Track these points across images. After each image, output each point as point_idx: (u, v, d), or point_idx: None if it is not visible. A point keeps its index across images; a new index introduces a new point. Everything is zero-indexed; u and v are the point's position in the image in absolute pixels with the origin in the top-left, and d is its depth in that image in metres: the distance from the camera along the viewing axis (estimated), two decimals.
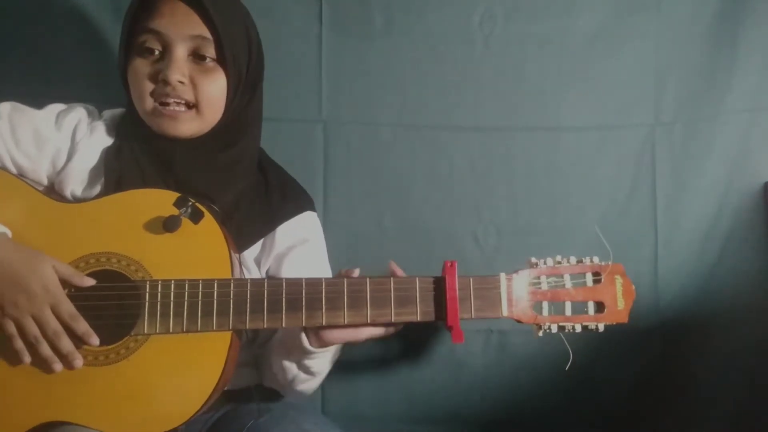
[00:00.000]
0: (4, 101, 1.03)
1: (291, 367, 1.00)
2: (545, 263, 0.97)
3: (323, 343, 0.96)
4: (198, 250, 0.92)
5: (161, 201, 0.93)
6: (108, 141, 1.02)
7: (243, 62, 1.01)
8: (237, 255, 0.98)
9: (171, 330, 0.90)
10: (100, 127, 1.03)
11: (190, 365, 0.90)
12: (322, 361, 1.00)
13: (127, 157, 1.00)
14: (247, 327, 0.91)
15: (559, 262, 0.97)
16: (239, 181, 1.04)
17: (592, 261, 0.97)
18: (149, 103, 0.97)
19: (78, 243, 0.92)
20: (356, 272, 0.95)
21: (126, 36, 0.99)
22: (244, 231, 1.03)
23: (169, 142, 0.99)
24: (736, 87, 1.38)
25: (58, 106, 1.04)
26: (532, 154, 1.40)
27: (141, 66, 0.97)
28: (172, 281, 0.90)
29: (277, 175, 1.11)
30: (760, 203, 1.39)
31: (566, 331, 0.96)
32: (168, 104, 0.97)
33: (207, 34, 0.96)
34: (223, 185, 1.02)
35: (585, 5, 1.39)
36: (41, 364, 0.87)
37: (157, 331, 0.90)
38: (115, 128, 1.04)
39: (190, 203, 0.92)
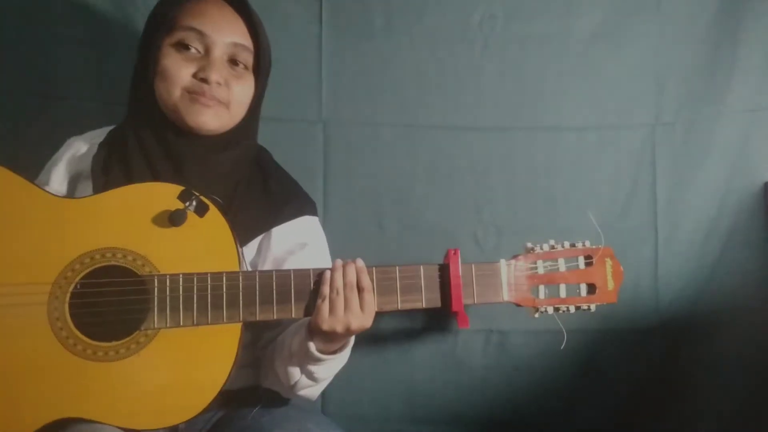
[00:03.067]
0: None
1: (294, 372, 0.98)
2: (541, 248, 1.00)
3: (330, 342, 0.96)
4: (204, 244, 0.92)
5: (165, 194, 0.92)
6: (82, 148, 1.07)
7: (268, 73, 1.07)
8: (241, 249, 0.98)
9: (181, 323, 0.90)
10: (78, 143, 1.07)
11: (200, 359, 0.90)
12: (326, 367, 0.98)
13: (123, 151, 1.00)
14: (258, 318, 0.92)
15: (554, 247, 1.01)
16: (233, 177, 1.06)
17: (584, 245, 1.01)
18: (179, 92, 0.98)
19: (82, 239, 0.91)
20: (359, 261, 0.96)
21: (161, 29, 0.99)
22: (239, 229, 1.01)
23: (181, 140, 1.00)
24: (736, 87, 1.39)
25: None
26: (532, 154, 1.40)
27: (177, 59, 0.99)
28: (180, 275, 0.90)
29: (280, 178, 1.12)
30: (760, 203, 1.39)
31: (561, 312, 1.00)
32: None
33: (248, 43, 1.02)
34: (222, 182, 1.03)
35: (585, 5, 1.39)
36: (56, 368, 0.88)
37: (167, 325, 0.90)
38: (97, 136, 1.06)
39: (195, 196, 0.92)
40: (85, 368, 0.88)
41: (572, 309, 1.00)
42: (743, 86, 1.38)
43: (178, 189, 0.92)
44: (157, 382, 0.89)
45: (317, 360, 0.96)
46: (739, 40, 1.38)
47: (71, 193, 1.04)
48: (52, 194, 0.95)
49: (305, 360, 0.97)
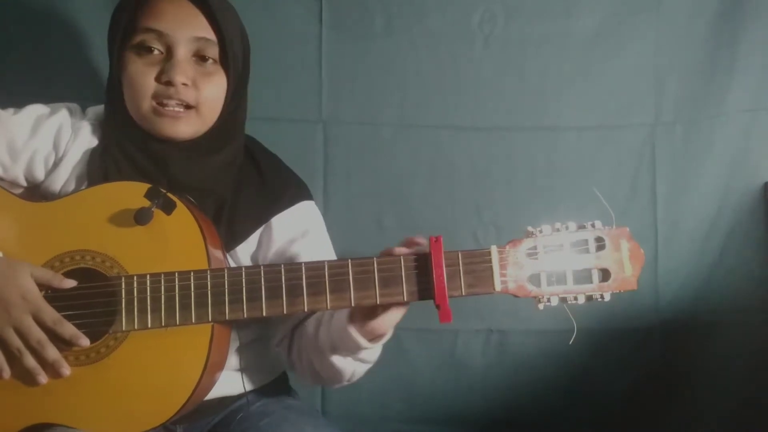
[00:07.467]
0: None
1: (346, 364, 0.96)
2: (541, 231, 0.90)
3: (376, 334, 0.91)
4: (172, 242, 0.89)
5: (132, 193, 0.90)
6: (93, 141, 1.00)
7: (240, 64, 1.01)
8: (221, 251, 0.95)
9: (149, 325, 0.87)
10: (86, 128, 1.00)
11: (171, 361, 0.88)
12: (376, 349, 0.95)
13: (114, 157, 0.97)
14: (227, 318, 0.88)
15: (558, 229, 0.90)
16: (232, 176, 1.03)
17: (593, 226, 0.91)
18: (147, 103, 0.95)
19: (52, 242, 0.90)
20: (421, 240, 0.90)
21: (121, 35, 0.95)
22: (237, 224, 1.00)
23: (163, 145, 0.97)
24: (736, 87, 1.39)
25: (37, 110, 1.00)
26: (532, 154, 1.40)
27: (139, 66, 0.95)
28: (148, 275, 0.88)
29: (271, 165, 1.08)
30: (760, 203, 1.39)
31: (569, 302, 0.89)
32: (167, 105, 0.95)
33: (211, 35, 0.96)
34: (218, 182, 1.01)
35: (585, 5, 1.39)
36: (26, 375, 0.85)
37: (136, 327, 0.87)
38: (100, 127, 1.01)
39: (162, 194, 0.88)
40: None
41: (582, 299, 0.88)
42: (743, 86, 1.38)
43: (144, 187, 0.89)
44: (127, 386, 0.87)
45: (368, 348, 0.92)
46: (739, 40, 1.38)
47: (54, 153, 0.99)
48: (22, 199, 0.93)
49: (356, 351, 0.93)
